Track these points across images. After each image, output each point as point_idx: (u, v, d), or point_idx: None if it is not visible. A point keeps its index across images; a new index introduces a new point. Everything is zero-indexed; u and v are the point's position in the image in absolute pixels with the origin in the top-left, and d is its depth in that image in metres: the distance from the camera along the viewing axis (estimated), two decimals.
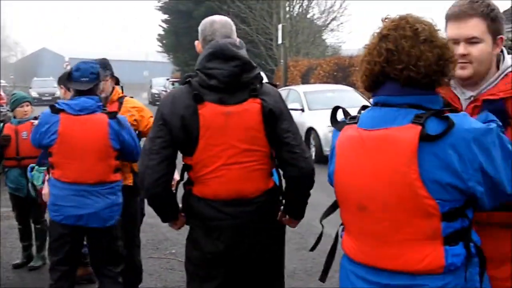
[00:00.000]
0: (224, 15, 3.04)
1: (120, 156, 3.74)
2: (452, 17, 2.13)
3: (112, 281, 3.81)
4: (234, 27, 2.86)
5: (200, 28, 2.85)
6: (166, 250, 5.95)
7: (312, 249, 2.35)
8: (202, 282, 2.73)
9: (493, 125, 1.81)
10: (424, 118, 1.73)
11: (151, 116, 4.21)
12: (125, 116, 3.91)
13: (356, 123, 1.91)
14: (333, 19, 29.18)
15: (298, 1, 29.14)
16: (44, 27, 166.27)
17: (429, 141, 1.71)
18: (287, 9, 27.73)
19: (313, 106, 12.45)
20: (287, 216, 2.88)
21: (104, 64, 4.09)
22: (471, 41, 2.09)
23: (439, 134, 1.70)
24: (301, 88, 14.28)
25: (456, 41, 2.11)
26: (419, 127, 1.72)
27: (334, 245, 2.09)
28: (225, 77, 2.59)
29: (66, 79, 3.74)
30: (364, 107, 1.96)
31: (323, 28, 30.15)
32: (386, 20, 1.87)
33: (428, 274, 1.76)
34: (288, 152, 2.67)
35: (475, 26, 2.08)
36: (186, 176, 2.77)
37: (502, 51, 2.20)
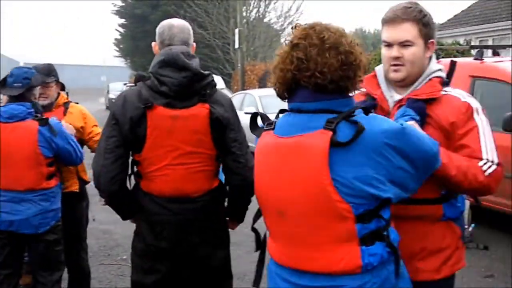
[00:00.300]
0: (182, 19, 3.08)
1: (57, 162, 3.68)
2: (387, 21, 2.25)
3: None
4: (191, 32, 2.91)
5: (158, 30, 2.88)
6: (117, 256, 5.91)
7: (256, 250, 2.27)
8: (145, 274, 2.80)
9: (402, 120, 1.87)
10: (335, 123, 1.77)
11: (95, 125, 4.21)
12: (70, 125, 3.85)
13: (273, 129, 1.95)
14: (290, 23, 29.46)
15: (255, 6, 29.33)
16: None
17: (340, 147, 1.75)
18: (244, 13, 27.85)
19: (268, 110, 12.49)
20: (227, 218, 2.97)
21: (49, 69, 4.02)
22: (404, 44, 2.22)
23: (349, 141, 1.74)
24: (257, 92, 14.38)
25: (390, 45, 2.24)
26: (330, 133, 1.75)
27: (263, 250, 2.13)
28: (174, 86, 2.64)
29: (0, 85, 3.66)
30: (282, 111, 2.01)
31: (280, 32, 30.45)
32: (297, 28, 1.92)
33: (347, 275, 1.81)
34: (233, 161, 2.76)
35: (408, 30, 2.21)
36: (135, 169, 2.83)
37: (431, 56, 2.32)
